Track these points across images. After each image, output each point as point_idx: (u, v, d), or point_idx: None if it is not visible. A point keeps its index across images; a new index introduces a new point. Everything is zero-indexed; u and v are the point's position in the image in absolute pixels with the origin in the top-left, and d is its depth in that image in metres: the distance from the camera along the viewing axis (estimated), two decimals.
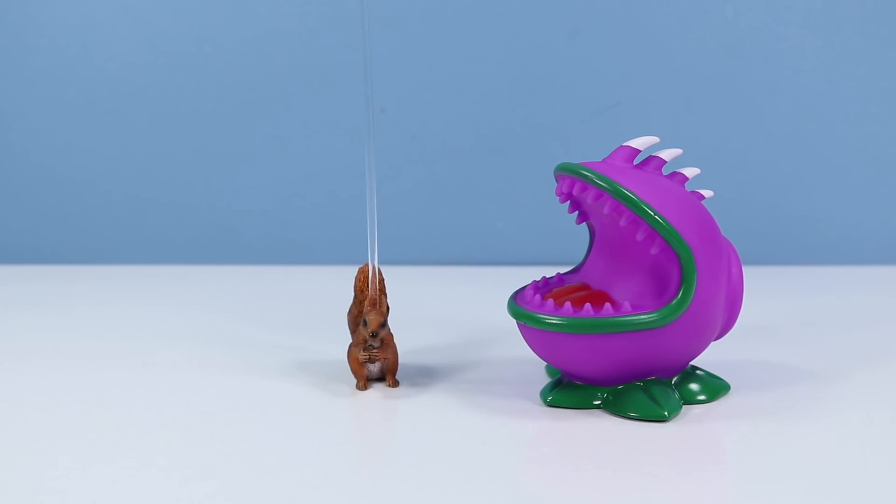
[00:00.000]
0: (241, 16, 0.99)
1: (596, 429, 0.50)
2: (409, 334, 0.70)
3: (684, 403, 0.53)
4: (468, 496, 0.42)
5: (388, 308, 0.57)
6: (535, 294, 0.53)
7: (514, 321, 0.53)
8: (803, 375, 0.59)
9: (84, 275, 0.96)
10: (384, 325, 0.55)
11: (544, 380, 0.58)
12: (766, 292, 0.82)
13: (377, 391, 0.57)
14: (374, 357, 0.56)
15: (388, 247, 1.01)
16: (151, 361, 0.63)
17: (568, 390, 0.53)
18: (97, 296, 0.86)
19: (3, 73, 1.01)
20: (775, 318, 0.74)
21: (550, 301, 0.51)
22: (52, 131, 1.02)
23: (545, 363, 0.60)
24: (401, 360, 0.63)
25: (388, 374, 0.57)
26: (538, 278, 0.56)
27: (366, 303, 0.57)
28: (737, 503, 0.41)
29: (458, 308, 0.79)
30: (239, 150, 1.01)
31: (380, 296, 0.57)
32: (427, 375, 0.60)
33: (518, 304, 0.53)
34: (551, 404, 0.53)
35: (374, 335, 0.55)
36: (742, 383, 0.57)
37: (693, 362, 0.56)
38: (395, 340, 0.57)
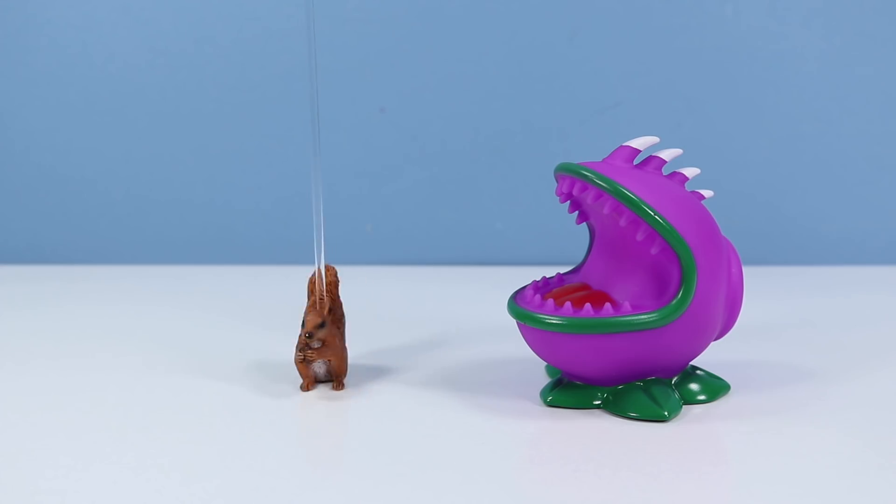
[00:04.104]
0: (241, 16, 0.99)
1: (596, 429, 0.50)
2: (409, 334, 0.70)
3: (684, 403, 0.53)
4: (468, 496, 0.42)
5: (331, 310, 0.56)
6: (535, 294, 0.53)
7: (514, 321, 0.53)
8: (803, 375, 0.59)
9: (84, 275, 0.96)
10: (322, 325, 0.55)
11: (544, 380, 0.58)
12: (766, 292, 0.82)
13: (379, 391, 0.57)
14: (310, 357, 0.55)
15: (389, 247, 1.02)
16: (151, 361, 0.63)
17: (568, 390, 0.53)
18: (97, 296, 0.86)
19: (3, 73, 1.01)
20: (775, 318, 0.74)
21: (550, 301, 0.51)
22: (52, 131, 1.02)
23: (545, 363, 0.60)
24: (401, 360, 0.63)
25: (334, 378, 0.57)
26: (538, 278, 0.56)
27: (308, 304, 0.57)
28: (736, 503, 0.41)
29: (459, 308, 0.79)
30: (239, 150, 1.01)
31: (326, 296, 0.56)
32: (427, 375, 0.60)
33: (518, 304, 0.53)
34: (551, 404, 0.53)
35: (309, 336, 0.54)
36: (742, 383, 0.57)
37: (693, 362, 0.56)
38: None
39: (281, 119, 1.00)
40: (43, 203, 1.03)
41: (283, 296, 0.85)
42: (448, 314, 0.76)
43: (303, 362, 0.55)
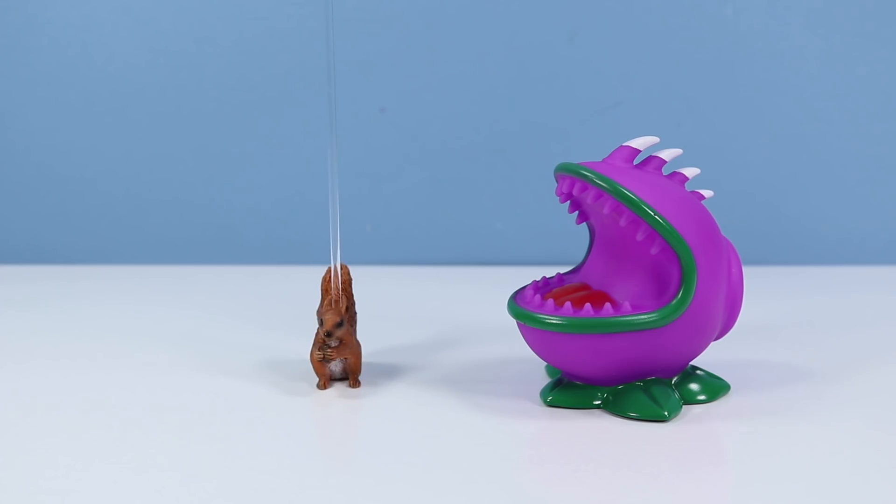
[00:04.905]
0: (241, 16, 0.99)
1: (596, 429, 0.50)
2: (408, 334, 0.70)
3: (684, 403, 0.53)
4: (468, 496, 0.42)
5: (347, 308, 0.57)
6: (535, 294, 0.53)
7: (514, 321, 0.53)
8: (803, 375, 0.59)
9: (84, 275, 0.96)
10: (340, 324, 0.55)
11: (544, 380, 0.58)
12: (766, 292, 0.82)
13: (379, 391, 0.57)
14: (330, 356, 0.56)
15: (389, 247, 1.02)
16: (151, 361, 0.63)
17: (568, 390, 0.53)
18: (97, 296, 0.86)
19: (3, 73, 1.01)
20: (775, 318, 0.74)
21: (550, 301, 0.51)
22: (52, 131, 1.02)
23: (545, 363, 0.60)
24: (401, 360, 0.63)
25: (350, 375, 0.57)
26: (538, 278, 0.56)
27: (324, 302, 0.57)
28: (737, 503, 0.41)
29: (459, 308, 0.79)
30: (239, 150, 1.01)
31: (341, 295, 0.57)
32: (427, 375, 0.60)
33: (518, 304, 0.53)
34: (551, 404, 0.53)
35: (328, 335, 0.55)
36: (742, 383, 0.57)
37: (693, 362, 0.56)
38: (360, 340, 0.58)
39: (281, 119, 1.00)
40: (43, 203, 1.03)
41: (283, 296, 0.85)
42: (448, 314, 0.76)
43: (322, 361, 0.56)
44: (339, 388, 0.57)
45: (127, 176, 1.02)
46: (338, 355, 0.56)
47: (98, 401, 0.55)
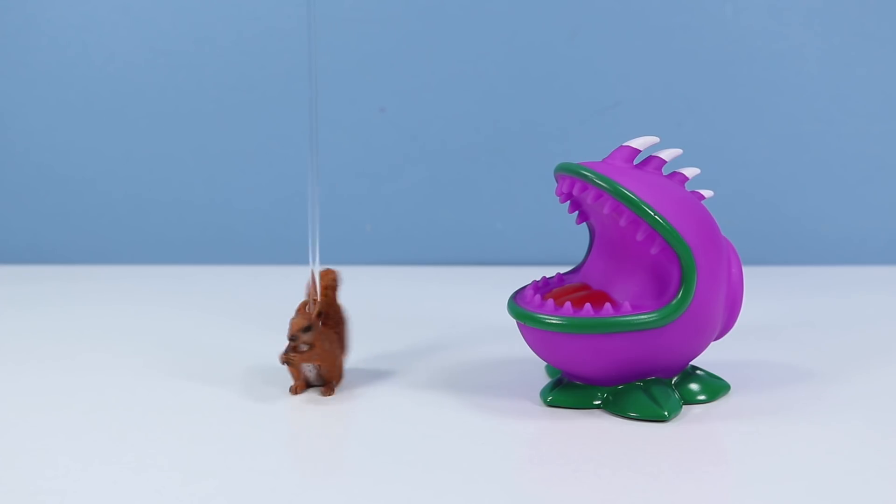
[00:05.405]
0: (241, 16, 0.99)
1: (596, 429, 0.50)
2: (408, 334, 0.70)
3: (684, 403, 0.53)
4: (468, 496, 0.42)
5: (320, 313, 0.55)
6: (535, 294, 0.53)
7: (514, 321, 0.53)
8: (803, 375, 0.59)
9: (84, 275, 0.96)
10: (307, 329, 0.54)
11: (544, 380, 0.58)
12: (766, 292, 0.82)
13: (379, 391, 0.57)
14: (291, 359, 0.54)
15: (389, 247, 1.02)
16: (151, 362, 0.63)
17: (568, 390, 0.53)
18: (97, 296, 0.86)
19: (3, 73, 1.01)
20: (775, 318, 0.74)
21: (550, 301, 0.51)
22: (52, 131, 1.02)
23: (545, 363, 0.60)
24: (401, 360, 0.63)
25: (325, 383, 0.56)
26: (538, 278, 0.56)
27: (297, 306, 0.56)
28: (737, 503, 0.41)
29: (458, 308, 0.79)
30: (239, 150, 1.01)
31: (317, 300, 0.56)
32: (427, 375, 0.60)
33: (518, 304, 0.53)
34: (551, 404, 0.53)
35: (293, 339, 0.54)
36: (742, 383, 0.57)
37: (693, 362, 0.56)
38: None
39: (280, 119, 1.00)
40: (43, 203, 1.03)
41: (283, 296, 0.85)
42: (448, 314, 0.76)
43: (285, 364, 0.55)
44: (338, 390, 0.57)
45: (127, 176, 1.02)
46: (303, 360, 0.54)
47: (98, 401, 0.55)
